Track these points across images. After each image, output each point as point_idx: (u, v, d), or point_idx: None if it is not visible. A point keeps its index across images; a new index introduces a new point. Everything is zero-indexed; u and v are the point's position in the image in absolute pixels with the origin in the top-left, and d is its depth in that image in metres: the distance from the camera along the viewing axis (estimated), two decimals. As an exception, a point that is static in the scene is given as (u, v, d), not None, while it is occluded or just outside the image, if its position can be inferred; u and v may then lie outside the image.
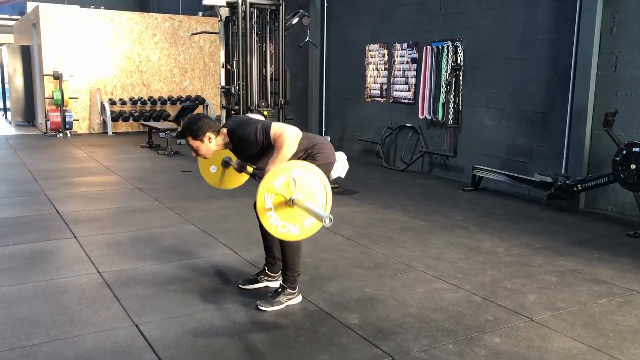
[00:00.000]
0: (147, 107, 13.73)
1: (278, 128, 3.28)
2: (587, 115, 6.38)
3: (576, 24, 6.49)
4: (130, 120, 13.58)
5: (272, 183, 2.98)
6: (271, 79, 8.90)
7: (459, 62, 8.01)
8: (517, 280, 4.20)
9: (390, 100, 9.43)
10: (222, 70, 8.80)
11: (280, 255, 3.83)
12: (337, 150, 4.02)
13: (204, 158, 3.61)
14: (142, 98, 13.64)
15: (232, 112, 8.80)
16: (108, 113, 12.97)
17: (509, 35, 7.36)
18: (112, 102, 13.31)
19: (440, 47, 8.25)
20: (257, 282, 3.96)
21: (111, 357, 2.95)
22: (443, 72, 8.21)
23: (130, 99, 13.52)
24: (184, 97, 14.12)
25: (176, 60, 14.21)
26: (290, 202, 2.99)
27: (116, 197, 6.75)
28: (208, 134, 3.42)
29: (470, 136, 8.04)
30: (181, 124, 3.43)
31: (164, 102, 13.90)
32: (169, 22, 14.04)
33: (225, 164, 4.08)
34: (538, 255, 4.80)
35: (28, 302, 3.63)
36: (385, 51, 9.45)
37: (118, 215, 5.87)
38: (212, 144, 3.46)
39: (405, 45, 9.02)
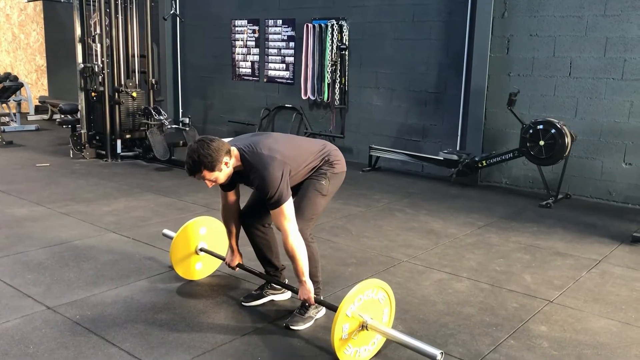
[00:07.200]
0: (-57, 88, 11.29)
1: (286, 221, 2.91)
2: (484, 95, 6.76)
3: (469, 7, 6.78)
4: None
5: (342, 328, 2.67)
6: (138, 56, 7.88)
7: (344, 41, 7.91)
8: (498, 261, 4.28)
9: (265, 80, 9.00)
10: (79, 46, 7.52)
11: (279, 262, 3.42)
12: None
13: (224, 183, 3.06)
14: None
15: (93, 94, 7.61)
16: None
17: (398, 16, 7.44)
18: None
19: (323, 25, 8.04)
20: (262, 297, 3.45)
21: None
22: (327, 51, 8.03)
23: None
24: (-9, 75, 11.90)
25: (-23, 30, 11.92)
26: (363, 328, 2.74)
27: (-20, 204, 5.40)
28: (224, 159, 2.90)
29: (358, 117, 8.04)
30: (186, 158, 2.89)
31: (-36, 81, 11.55)
32: (-34, -17, 11.66)
33: (203, 251, 3.73)
34: (489, 233, 4.96)
35: (-12, 366, 2.68)
36: (256, 27, 8.96)
37: (6, 229, 4.68)
38: (229, 168, 2.98)
39: (280, 22, 8.64)
